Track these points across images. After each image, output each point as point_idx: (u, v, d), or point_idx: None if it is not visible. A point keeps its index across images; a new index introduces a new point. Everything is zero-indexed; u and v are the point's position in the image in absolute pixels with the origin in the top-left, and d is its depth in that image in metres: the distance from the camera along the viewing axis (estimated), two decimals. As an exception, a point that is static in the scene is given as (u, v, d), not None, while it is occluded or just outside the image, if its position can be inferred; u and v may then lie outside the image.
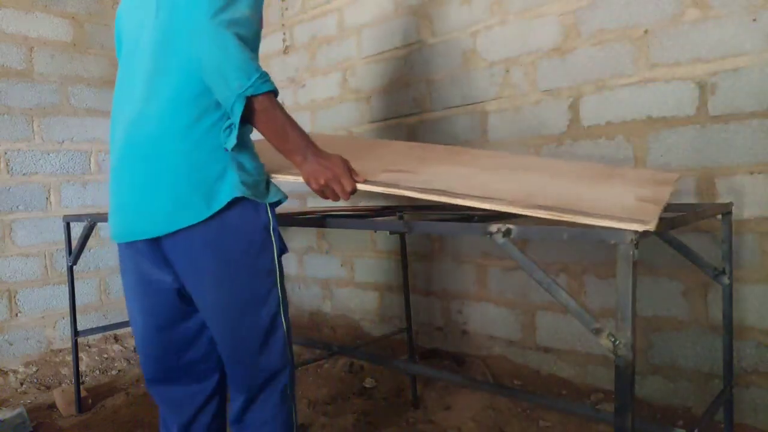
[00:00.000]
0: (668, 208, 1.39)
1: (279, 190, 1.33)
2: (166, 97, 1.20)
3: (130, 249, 1.32)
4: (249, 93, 1.14)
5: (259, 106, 1.17)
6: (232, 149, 1.21)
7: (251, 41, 1.22)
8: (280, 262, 1.32)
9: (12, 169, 2.97)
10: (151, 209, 1.22)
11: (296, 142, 1.23)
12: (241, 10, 1.18)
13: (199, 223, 1.19)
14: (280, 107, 1.22)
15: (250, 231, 1.25)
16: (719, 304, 1.70)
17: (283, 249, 1.33)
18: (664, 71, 2.02)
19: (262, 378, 1.30)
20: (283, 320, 1.32)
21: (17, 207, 2.99)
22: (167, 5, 1.21)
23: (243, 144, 1.25)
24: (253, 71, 1.14)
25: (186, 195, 1.19)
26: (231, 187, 1.20)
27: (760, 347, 1.89)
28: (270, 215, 1.29)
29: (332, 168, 1.25)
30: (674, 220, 1.15)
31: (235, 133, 1.19)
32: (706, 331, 1.99)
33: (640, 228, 0.93)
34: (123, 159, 1.26)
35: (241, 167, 1.23)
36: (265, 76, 1.16)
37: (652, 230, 0.95)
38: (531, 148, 2.39)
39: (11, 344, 2.92)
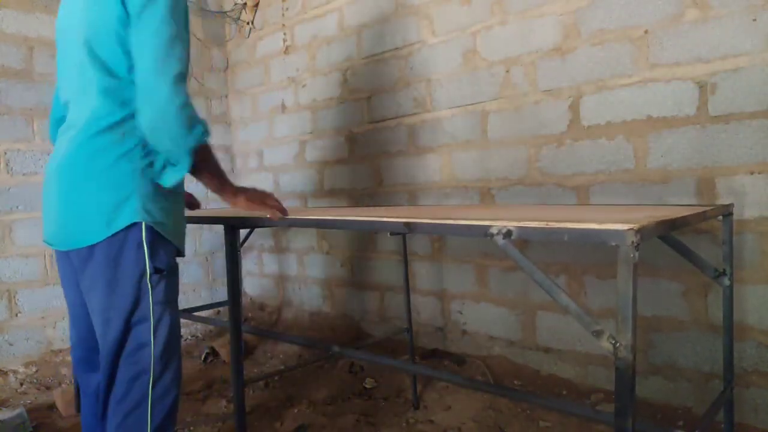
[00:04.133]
0: (669, 208, 1.38)
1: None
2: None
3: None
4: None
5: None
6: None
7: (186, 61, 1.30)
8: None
9: (12, 169, 2.97)
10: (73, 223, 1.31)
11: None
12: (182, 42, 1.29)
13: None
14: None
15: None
16: (719, 304, 1.70)
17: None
18: (664, 71, 2.02)
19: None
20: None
21: (17, 207, 2.99)
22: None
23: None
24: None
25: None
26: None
27: (760, 347, 1.89)
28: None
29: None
30: (675, 221, 1.13)
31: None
32: (706, 332, 1.99)
33: (636, 227, 0.92)
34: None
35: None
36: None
37: (636, 229, 0.94)
38: (531, 148, 2.39)
39: (11, 344, 2.92)
